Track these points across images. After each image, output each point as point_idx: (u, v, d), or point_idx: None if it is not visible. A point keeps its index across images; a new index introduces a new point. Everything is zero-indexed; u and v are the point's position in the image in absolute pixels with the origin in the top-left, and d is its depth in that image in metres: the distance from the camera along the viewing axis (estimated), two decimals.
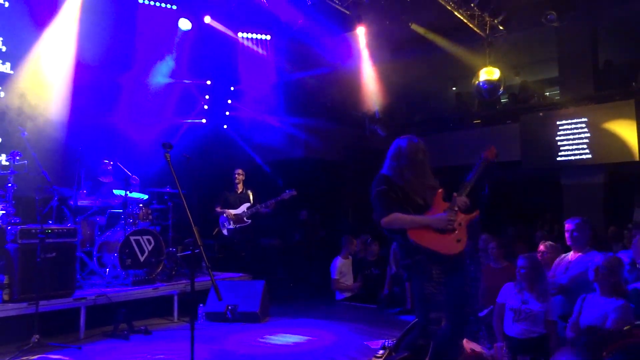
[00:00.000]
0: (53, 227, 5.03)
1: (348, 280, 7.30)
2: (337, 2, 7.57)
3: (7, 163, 5.36)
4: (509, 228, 9.03)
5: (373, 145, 9.95)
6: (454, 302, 3.27)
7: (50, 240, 4.85)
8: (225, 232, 7.32)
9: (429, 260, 3.18)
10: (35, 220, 4.87)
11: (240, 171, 7.54)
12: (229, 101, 9.71)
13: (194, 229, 2.69)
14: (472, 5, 7.81)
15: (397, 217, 3.20)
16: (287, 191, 7.16)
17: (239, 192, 7.44)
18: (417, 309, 3.29)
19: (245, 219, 7.23)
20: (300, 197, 7.38)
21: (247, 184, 7.57)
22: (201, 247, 2.75)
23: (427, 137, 10.67)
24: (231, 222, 7.23)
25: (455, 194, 3.33)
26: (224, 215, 7.27)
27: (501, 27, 8.41)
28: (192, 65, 8.57)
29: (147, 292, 5.66)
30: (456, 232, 3.25)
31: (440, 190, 3.37)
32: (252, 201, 7.36)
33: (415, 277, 3.28)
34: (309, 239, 9.26)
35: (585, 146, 9.08)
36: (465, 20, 8.35)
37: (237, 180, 7.46)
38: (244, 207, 7.28)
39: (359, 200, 9.23)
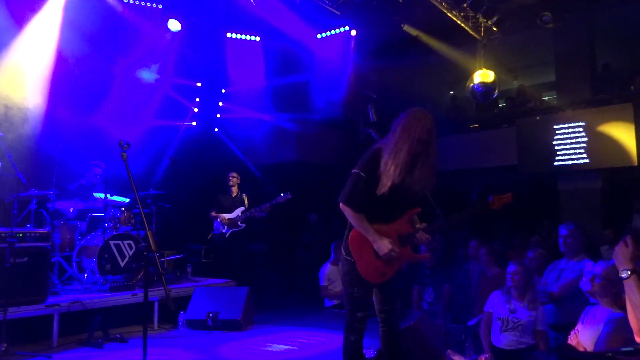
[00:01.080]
0: (25, 230, 4.87)
1: (337, 287, 7.08)
2: (327, 2, 7.42)
3: None
4: (504, 234, 8.86)
5: (367, 149, 9.78)
6: (383, 302, 3.18)
7: (22, 245, 4.70)
8: (217, 237, 7.16)
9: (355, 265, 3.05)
10: (11, 224, 4.70)
11: (234, 174, 7.39)
12: (220, 103, 9.56)
13: (148, 232, 2.52)
14: (464, 5, 7.64)
15: (352, 214, 3.00)
16: (282, 195, 7.01)
17: (233, 195, 7.30)
18: (345, 305, 3.16)
19: (239, 223, 7.07)
20: (293, 201, 7.21)
21: (242, 188, 7.42)
22: (155, 252, 2.57)
23: None
24: (225, 227, 7.07)
25: (420, 225, 3.10)
26: (218, 219, 7.11)
27: (495, 29, 8.25)
28: (181, 66, 8.42)
29: (125, 298, 5.47)
30: (387, 266, 3.03)
31: (415, 210, 3.13)
32: (246, 205, 7.21)
33: (345, 274, 3.12)
34: (318, 242, 9.05)
35: (582, 150, 8.90)
36: (458, 22, 8.18)
37: (231, 184, 7.31)
38: (238, 212, 7.13)
39: None
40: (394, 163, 2.93)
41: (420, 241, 3.06)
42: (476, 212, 3.24)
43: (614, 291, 3.37)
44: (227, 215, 7.09)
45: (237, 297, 5.67)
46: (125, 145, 2.88)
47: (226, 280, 6.73)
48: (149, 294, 5.63)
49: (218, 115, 9.61)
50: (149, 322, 5.71)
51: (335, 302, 7.00)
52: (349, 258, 3.06)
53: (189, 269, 7.00)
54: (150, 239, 2.55)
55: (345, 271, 3.11)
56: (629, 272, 2.17)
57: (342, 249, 3.16)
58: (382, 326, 3.25)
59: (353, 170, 3.07)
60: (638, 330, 2.18)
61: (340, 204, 3.04)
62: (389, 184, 2.94)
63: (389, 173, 2.94)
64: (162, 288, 5.78)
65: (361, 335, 3.12)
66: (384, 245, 2.94)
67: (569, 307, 4.18)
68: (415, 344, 3.79)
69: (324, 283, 6.98)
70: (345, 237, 3.14)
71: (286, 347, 4.86)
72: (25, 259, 4.72)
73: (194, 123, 9.17)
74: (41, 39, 6.49)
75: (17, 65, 6.27)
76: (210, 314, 5.44)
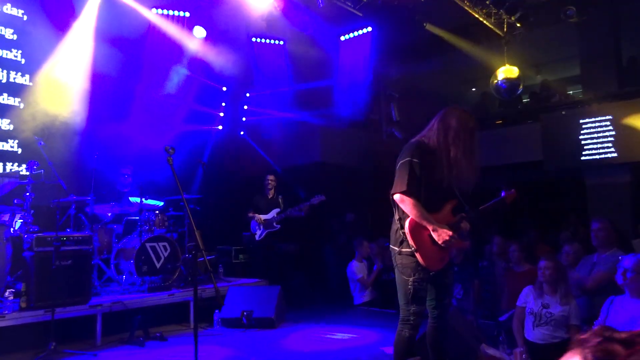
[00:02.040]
0: (68, 234, 5.08)
1: (364, 284, 7.19)
2: (349, 4, 7.51)
3: (27, 173, 5.43)
4: (532, 230, 8.80)
5: (390, 149, 9.84)
6: (436, 297, 3.24)
7: (66, 248, 4.90)
8: (256, 236, 7.35)
9: (414, 255, 3.08)
10: (54, 228, 4.92)
11: (272, 177, 7.64)
12: (245, 107, 9.73)
13: (196, 232, 2.65)
14: (487, 2, 7.65)
15: (411, 203, 3.03)
16: (316, 196, 7.18)
17: (270, 197, 7.50)
18: (400, 300, 3.19)
19: (274, 224, 7.26)
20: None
21: (277, 190, 7.60)
22: (203, 251, 2.70)
23: None
24: (261, 227, 7.26)
25: (464, 214, 3.21)
26: (255, 220, 7.30)
27: (518, 25, 8.23)
28: (207, 71, 8.61)
29: (163, 298, 5.66)
30: (443, 251, 3.13)
31: (455, 201, 3.23)
32: (282, 207, 7.39)
33: (398, 269, 3.17)
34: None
35: (610, 144, 8.79)
36: (481, 19, 8.19)
37: (269, 186, 7.53)
38: (273, 213, 7.32)
39: (376, 205, 9.12)
40: (455, 153, 3.05)
41: (465, 230, 3.17)
42: (496, 206, 3.30)
43: None
44: (263, 216, 7.30)
45: (269, 296, 5.81)
46: (171, 150, 3.01)
47: (258, 279, 6.88)
48: (184, 294, 5.85)
49: (244, 119, 9.78)
50: (186, 320, 5.89)
51: (364, 299, 7.09)
52: (407, 249, 3.10)
53: (221, 269, 7.19)
54: (198, 238, 2.69)
55: (403, 263, 3.12)
56: None
57: (395, 244, 3.19)
58: (433, 321, 3.30)
59: (403, 160, 3.11)
60: None
61: (397, 195, 3.08)
62: (446, 172, 3.06)
63: (452, 161, 3.05)
64: (198, 288, 6.01)
65: (416, 331, 3.15)
66: (445, 233, 3.02)
67: (602, 301, 4.19)
68: (449, 339, 3.86)
69: (360, 276, 7.05)
70: (395, 230, 3.18)
71: (321, 343, 4.97)
72: (70, 261, 4.93)
73: (220, 127, 9.36)
74: (77, 51, 6.77)
75: (57, 78, 6.55)
76: (245, 313, 5.58)
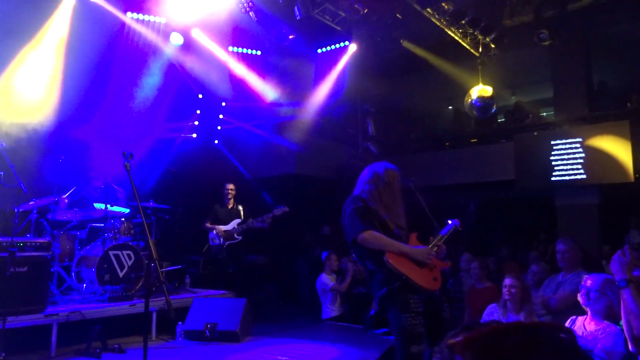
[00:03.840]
0: (25, 240, 4.88)
1: (334, 297, 7.11)
2: (328, 18, 7.54)
3: None
4: (502, 248, 8.89)
5: (366, 163, 9.84)
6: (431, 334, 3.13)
7: (22, 254, 4.71)
8: (214, 248, 7.17)
9: (406, 289, 3.02)
10: (11, 233, 4.73)
11: (231, 186, 7.39)
12: (220, 116, 9.64)
13: (150, 241, 2.55)
14: (463, 22, 7.78)
15: (377, 236, 3.07)
16: (278, 207, 7.03)
17: (229, 207, 7.30)
18: (397, 342, 3.06)
19: (235, 235, 7.08)
20: (292, 214, 7.24)
21: (237, 200, 7.43)
22: (157, 261, 2.60)
23: (423, 155, 10.60)
24: (221, 239, 7.08)
25: (437, 237, 3.33)
26: (214, 231, 7.13)
27: (493, 46, 8.38)
28: (182, 80, 8.52)
29: (124, 308, 5.47)
30: (433, 270, 3.17)
31: (414, 233, 3.33)
32: (242, 217, 7.21)
33: (392, 308, 3.06)
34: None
35: (579, 166, 8.98)
36: (457, 38, 8.32)
37: (228, 196, 7.32)
38: (234, 224, 7.14)
39: None
40: (390, 209, 3.29)
41: (442, 251, 3.27)
42: (452, 232, 3.48)
43: (607, 304, 3.41)
44: (222, 227, 7.10)
45: (235, 309, 5.67)
46: (129, 156, 2.91)
47: (224, 291, 6.73)
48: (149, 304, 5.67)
49: (219, 128, 9.68)
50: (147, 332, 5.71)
51: (332, 314, 7.01)
52: (397, 283, 3.02)
53: (187, 280, 7.01)
54: (152, 248, 2.59)
55: (398, 297, 3.02)
56: (626, 281, 2.22)
57: (381, 281, 3.11)
58: None
59: (349, 210, 3.23)
60: (632, 339, 2.22)
61: (359, 238, 3.08)
62: (389, 223, 3.23)
63: (391, 217, 3.27)
64: (161, 298, 5.84)
65: None
66: (419, 249, 3.12)
67: (566, 320, 4.20)
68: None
69: (332, 284, 6.95)
70: (373, 274, 3.15)
71: (284, 358, 4.86)
72: (25, 268, 4.73)
73: (194, 135, 9.24)
74: (46, 52, 6.59)
75: (20, 80, 6.36)
76: (209, 325, 5.43)
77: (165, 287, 2.69)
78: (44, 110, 6.46)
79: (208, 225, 7.17)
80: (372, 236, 3.07)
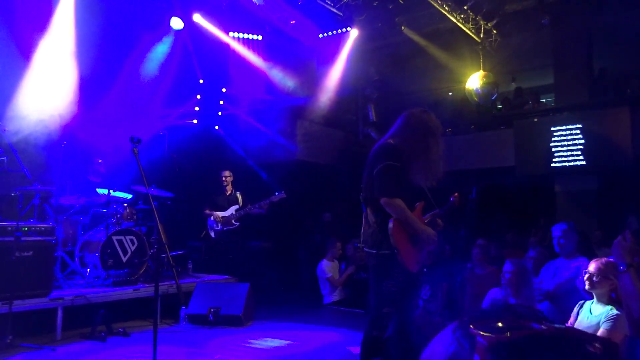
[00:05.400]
0: (30, 224, 4.91)
1: (333, 285, 7.18)
2: (329, 2, 7.50)
3: None
4: (502, 234, 8.93)
5: (367, 150, 9.85)
6: (407, 300, 3.27)
7: (27, 239, 4.74)
8: (212, 234, 7.22)
9: (393, 258, 3.09)
10: (15, 218, 4.76)
11: (227, 173, 7.41)
12: (221, 102, 9.62)
13: (159, 226, 2.59)
14: (465, 7, 7.74)
15: (401, 206, 3.05)
16: (276, 193, 7.05)
17: (227, 194, 7.34)
18: (371, 301, 3.22)
19: (233, 221, 7.12)
20: (294, 200, 7.28)
21: (236, 186, 7.46)
22: (166, 246, 2.64)
23: None
24: (219, 225, 7.13)
25: (436, 212, 3.33)
26: (212, 217, 7.17)
27: (495, 31, 8.35)
28: (183, 65, 8.48)
29: (128, 293, 5.53)
30: (420, 253, 3.20)
31: (421, 203, 3.30)
32: (240, 203, 7.25)
33: (375, 271, 3.20)
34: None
35: (579, 152, 9.01)
36: (459, 24, 8.29)
37: (225, 183, 7.35)
38: (232, 210, 7.18)
39: (353, 206, 9.15)
40: (433, 155, 3.19)
41: (440, 227, 3.29)
42: (450, 210, 3.47)
43: (610, 288, 3.44)
44: (220, 213, 7.15)
45: (238, 294, 5.74)
46: (137, 141, 2.93)
47: (227, 276, 6.80)
48: (149, 289, 5.73)
49: (219, 113, 9.67)
50: (151, 316, 5.76)
51: (334, 299, 7.09)
52: (385, 251, 3.09)
53: (190, 265, 7.07)
54: (161, 232, 2.63)
55: (381, 265, 3.14)
56: (626, 266, 2.26)
57: (372, 246, 3.19)
58: (397, 324, 3.30)
59: (384, 165, 3.11)
60: (633, 323, 2.27)
61: (384, 199, 3.08)
62: (422, 173, 3.18)
63: (430, 163, 3.18)
64: (166, 284, 5.91)
65: (384, 332, 3.16)
66: (432, 233, 3.13)
67: (564, 305, 4.26)
68: (414, 340, 3.87)
69: (330, 275, 7.04)
70: (378, 232, 3.16)
71: (288, 342, 4.93)
72: (30, 252, 4.76)
73: (195, 121, 9.24)
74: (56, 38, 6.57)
75: (23, 65, 6.35)
76: (212, 310, 5.50)
77: (175, 270, 2.74)
78: (48, 94, 6.45)
79: (207, 212, 7.23)
80: (395, 204, 3.05)
